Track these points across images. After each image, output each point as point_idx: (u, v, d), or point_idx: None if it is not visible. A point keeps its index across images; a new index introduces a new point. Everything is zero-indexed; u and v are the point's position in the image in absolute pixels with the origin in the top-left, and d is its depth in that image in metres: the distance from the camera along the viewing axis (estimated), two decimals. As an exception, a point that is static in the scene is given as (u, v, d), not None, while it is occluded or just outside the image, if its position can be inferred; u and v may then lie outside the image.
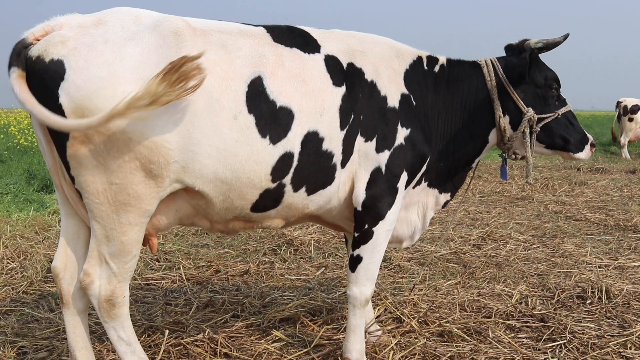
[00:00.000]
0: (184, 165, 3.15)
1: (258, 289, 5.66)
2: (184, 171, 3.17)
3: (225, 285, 5.84)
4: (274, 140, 3.33)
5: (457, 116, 4.04)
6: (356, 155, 3.66)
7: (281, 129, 3.34)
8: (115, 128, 2.97)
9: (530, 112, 3.98)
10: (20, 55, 2.99)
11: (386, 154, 3.69)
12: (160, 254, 6.85)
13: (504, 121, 4.04)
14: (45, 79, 2.97)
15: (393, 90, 3.76)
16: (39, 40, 3.03)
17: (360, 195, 3.71)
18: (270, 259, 6.74)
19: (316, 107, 3.46)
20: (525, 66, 3.94)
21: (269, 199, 3.48)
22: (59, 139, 3.06)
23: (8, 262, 6.25)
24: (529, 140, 4.04)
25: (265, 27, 3.56)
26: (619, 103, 20.92)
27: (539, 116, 4.04)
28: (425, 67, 4.00)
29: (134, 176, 3.08)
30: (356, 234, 3.84)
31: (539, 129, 4.05)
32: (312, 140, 3.45)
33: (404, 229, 4.19)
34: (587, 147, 4.20)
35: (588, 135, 4.21)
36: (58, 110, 2.96)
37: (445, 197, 4.24)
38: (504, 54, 4.21)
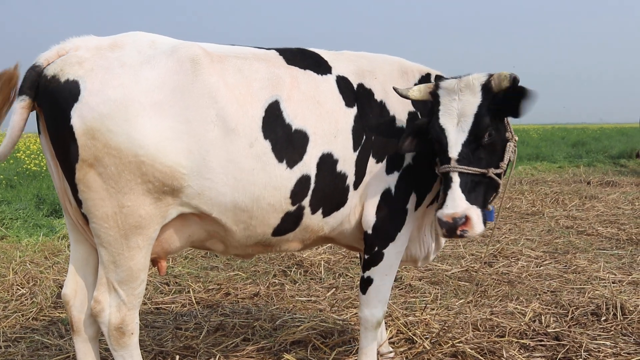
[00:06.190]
0: (200, 192, 3.15)
1: (268, 312, 5.62)
2: (199, 197, 3.16)
3: (235, 308, 5.80)
4: (291, 164, 3.32)
5: None
6: (368, 177, 3.64)
7: (297, 152, 3.34)
8: (127, 151, 2.97)
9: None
10: (33, 84, 3.00)
11: (395, 175, 3.67)
12: (169, 277, 6.83)
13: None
14: (58, 99, 2.98)
15: (401, 109, 3.74)
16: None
17: (370, 217, 3.68)
18: (280, 281, 6.70)
19: (330, 128, 3.46)
20: None
21: (290, 222, 3.47)
22: (67, 161, 3.05)
23: (18, 288, 6.24)
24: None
25: (277, 50, 3.58)
26: None
27: None
28: None
29: (146, 198, 3.08)
30: (366, 256, 3.81)
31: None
32: (327, 162, 3.45)
33: (417, 248, 4.13)
34: None
35: None
36: (68, 131, 2.96)
37: None
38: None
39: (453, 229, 3.30)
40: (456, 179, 3.35)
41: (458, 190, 3.33)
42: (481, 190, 3.43)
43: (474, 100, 3.39)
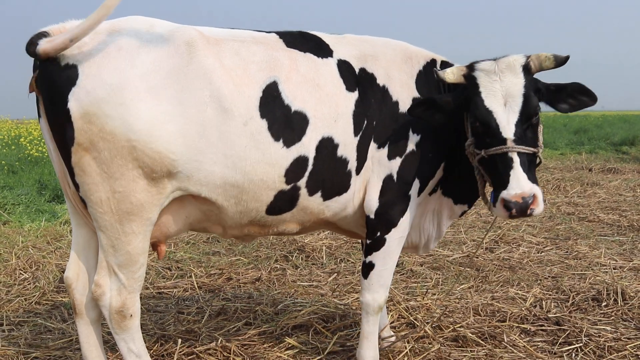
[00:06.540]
0: (189, 175, 3.15)
1: (270, 296, 5.64)
2: (189, 180, 3.17)
3: (237, 292, 5.83)
4: (288, 144, 3.32)
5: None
6: (369, 162, 3.63)
7: (295, 133, 3.34)
8: (121, 136, 2.98)
9: None
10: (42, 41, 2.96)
11: (398, 161, 3.65)
12: (171, 262, 6.85)
13: None
14: (56, 81, 2.99)
15: (405, 95, 3.70)
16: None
17: (372, 202, 3.67)
18: (282, 266, 6.72)
19: (330, 112, 3.44)
20: None
21: (284, 201, 3.46)
22: (64, 145, 3.06)
23: (21, 273, 6.27)
24: None
25: (278, 33, 3.56)
26: None
27: None
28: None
29: (137, 184, 3.08)
30: (368, 241, 3.81)
31: None
32: (327, 146, 3.44)
33: (417, 235, 4.13)
34: None
35: None
36: (64, 114, 2.97)
37: (462, 207, 4.07)
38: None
39: (524, 208, 3.31)
40: (516, 159, 3.35)
41: (520, 170, 3.34)
42: (533, 169, 3.47)
43: (517, 81, 3.41)
